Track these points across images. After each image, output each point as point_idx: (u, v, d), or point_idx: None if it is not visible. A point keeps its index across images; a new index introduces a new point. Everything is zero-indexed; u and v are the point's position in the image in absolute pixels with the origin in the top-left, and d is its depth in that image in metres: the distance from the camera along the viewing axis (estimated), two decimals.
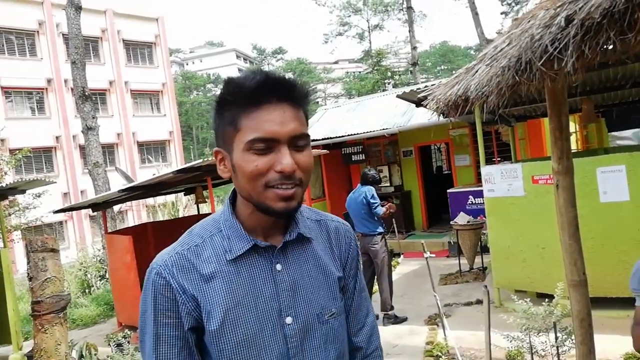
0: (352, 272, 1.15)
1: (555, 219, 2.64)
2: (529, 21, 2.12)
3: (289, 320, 0.98)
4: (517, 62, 1.94)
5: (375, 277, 5.55)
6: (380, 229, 5.48)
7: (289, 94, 0.94)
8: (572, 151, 2.74)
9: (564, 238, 2.52)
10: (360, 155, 10.78)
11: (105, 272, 9.62)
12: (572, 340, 3.08)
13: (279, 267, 0.99)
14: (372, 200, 5.39)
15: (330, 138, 10.29)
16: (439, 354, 4.22)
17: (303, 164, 0.94)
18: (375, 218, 5.44)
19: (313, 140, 10.27)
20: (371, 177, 5.65)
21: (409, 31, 24.39)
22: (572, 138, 9.20)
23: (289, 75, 0.99)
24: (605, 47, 1.63)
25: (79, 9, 10.26)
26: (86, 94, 10.17)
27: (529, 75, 1.90)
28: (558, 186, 2.51)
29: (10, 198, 9.74)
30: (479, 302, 5.64)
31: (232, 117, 0.94)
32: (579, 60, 1.67)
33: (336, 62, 63.56)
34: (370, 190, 5.48)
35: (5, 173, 11.57)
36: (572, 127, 9.44)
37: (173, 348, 0.95)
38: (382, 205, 5.48)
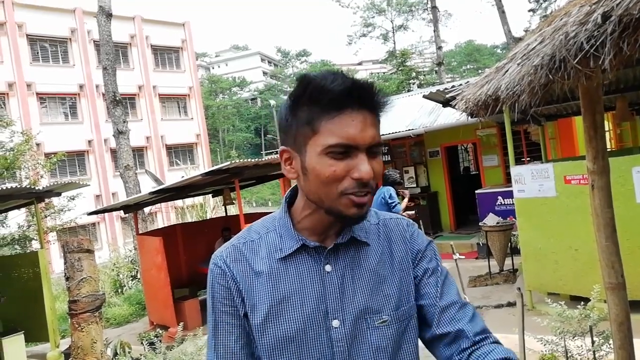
0: (425, 258, 1.06)
1: (589, 220, 2.58)
2: (562, 19, 2.08)
3: (335, 323, 0.97)
4: (550, 60, 1.90)
5: None
6: None
7: (371, 101, 0.94)
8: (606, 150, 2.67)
9: (600, 240, 2.46)
10: (386, 156, 10.74)
11: (137, 272, 9.86)
12: (609, 345, 3.00)
13: (328, 268, 0.99)
14: (389, 200, 5.44)
15: None
16: None
17: (377, 171, 0.94)
18: None
19: None
20: (391, 178, 5.70)
21: (434, 31, 24.14)
22: (606, 137, 8.93)
23: (373, 82, 0.97)
24: None
25: (109, 16, 10.56)
26: (117, 98, 10.45)
27: (563, 73, 1.87)
28: (593, 186, 2.45)
29: (46, 200, 10.08)
30: (510, 304, 5.54)
31: (310, 119, 0.92)
32: (616, 57, 1.63)
33: (360, 64, 63.43)
34: (388, 190, 5.53)
35: (42, 176, 11.99)
36: (606, 125, 9.17)
37: (231, 335, 0.99)
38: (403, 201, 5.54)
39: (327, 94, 0.91)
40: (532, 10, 25.74)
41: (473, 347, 0.98)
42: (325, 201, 0.94)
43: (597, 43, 1.64)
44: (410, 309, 1.03)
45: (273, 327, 0.97)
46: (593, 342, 3.13)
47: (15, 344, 5.85)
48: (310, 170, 0.94)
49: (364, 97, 0.92)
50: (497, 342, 0.99)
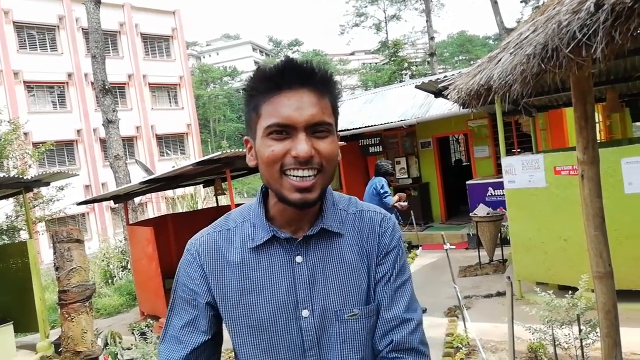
0: (385, 262, 1.04)
1: (578, 210, 2.59)
2: (555, 7, 2.07)
3: (305, 313, 0.98)
4: (543, 49, 1.90)
5: None
6: None
7: (309, 79, 0.93)
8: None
9: (589, 229, 2.48)
10: (378, 147, 10.73)
11: (127, 262, 9.82)
12: (596, 333, 3.04)
13: (299, 259, 0.99)
14: (381, 190, 5.43)
15: (347, 130, 10.27)
16: (459, 345, 4.21)
17: (324, 151, 0.92)
18: (388, 209, 5.45)
19: None
20: (383, 169, 5.69)
21: (426, 21, 24.12)
22: (596, 128, 8.99)
23: (312, 60, 0.96)
24: (637, 32, 1.59)
25: (98, 3, 10.38)
26: (106, 87, 10.31)
27: (555, 62, 1.86)
28: (583, 177, 2.47)
29: (35, 190, 9.97)
30: (499, 294, 5.59)
31: (255, 104, 0.95)
32: (609, 46, 1.63)
33: (352, 54, 63.20)
34: (380, 181, 5.53)
35: (30, 166, 11.84)
36: (596, 117, 9.23)
37: (180, 320, 1.02)
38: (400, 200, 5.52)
39: (266, 77, 0.93)
40: (525, 1, 25.74)
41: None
42: (271, 184, 0.95)
43: (590, 32, 1.64)
44: (376, 305, 1.03)
45: (244, 315, 0.98)
46: (580, 331, 3.18)
47: (5, 334, 5.81)
48: (258, 154, 0.95)
49: (301, 76, 0.92)
50: None
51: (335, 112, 0.98)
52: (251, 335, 0.98)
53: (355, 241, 1.03)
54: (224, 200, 9.15)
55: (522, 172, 5.16)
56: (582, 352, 3.19)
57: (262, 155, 0.93)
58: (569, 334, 3.25)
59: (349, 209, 1.07)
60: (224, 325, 1.05)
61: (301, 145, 0.89)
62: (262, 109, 0.93)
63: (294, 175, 0.91)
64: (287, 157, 0.90)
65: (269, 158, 0.91)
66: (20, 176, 6.36)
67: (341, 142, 8.90)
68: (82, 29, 21.84)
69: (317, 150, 0.91)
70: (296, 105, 0.90)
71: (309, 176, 0.91)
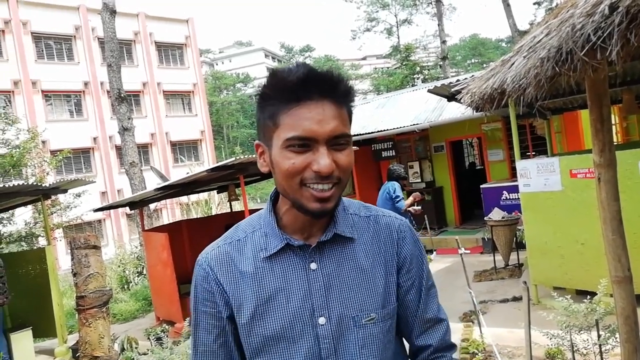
0: (413, 269, 1.07)
1: (595, 213, 2.56)
2: (568, 10, 2.06)
3: (322, 320, 0.97)
4: (557, 52, 1.89)
5: None
6: None
7: (331, 91, 0.91)
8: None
9: (606, 233, 2.45)
10: (391, 151, 10.71)
11: (143, 268, 9.92)
12: (616, 338, 2.99)
13: (313, 266, 0.98)
14: (394, 195, 5.38)
15: (360, 135, 10.27)
16: (475, 351, 4.16)
17: (342, 163, 0.92)
18: (402, 213, 5.40)
19: None
20: (396, 173, 5.63)
21: (438, 25, 24.05)
22: (612, 130, 8.86)
23: (333, 70, 0.93)
24: None
25: (113, 12, 10.57)
26: (122, 95, 10.47)
27: (569, 65, 1.86)
28: (600, 180, 2.44)
29: (53, 197, 10.13)
30: (515, 299, 5.53)
31: (272, 112, 0.92)
32: (624, 48, 1.62)
33: (364, 58, 63.30)
34: (393, 185, 5.47)
35: (48, 174, 12.06)
36: (612, 119, 9.10)
37: (210, 335, 1.00)
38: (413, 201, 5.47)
39: (285, 86, 0.90)
40: (538, 3, 25.53)
41: None
42: (289, 193, 0.94)
43: (604, 35, 1.63)
44: (394, 309, 1.04)
45: (260, 325, 0.97)
46: (599, 336, 3.13)
47: (24, 340, 5.91)
48: (275, 163, 0.94)
49: (322, 88, 0.90)
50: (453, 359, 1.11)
51: (350, 121, 0.98)
52: (267, 346, 0.97)
53: (370, 245, 1.03)
54: (237, 206, 9.20)
55: (537, 176, 5.11)
56: (602, 358, 3.14)
57: (280, 167, 0.92)
58: (587, 340, 3.20)
59: (361, 213, 1.07)
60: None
61: (323, 160, 0.89)
62: (281, 119, 0.90)
63: (314, 188, 0.91)
64: (308, 171, 0.90)
65: (289, 171, 0.90)
66: (39, 184, 6.47)
67: (354, 147, 8.96)
68: (98, 38, 22.23)
69: (336, 163, 0.91)
70: (318, 118, 0.89)
71: (328, 188, 0.91)
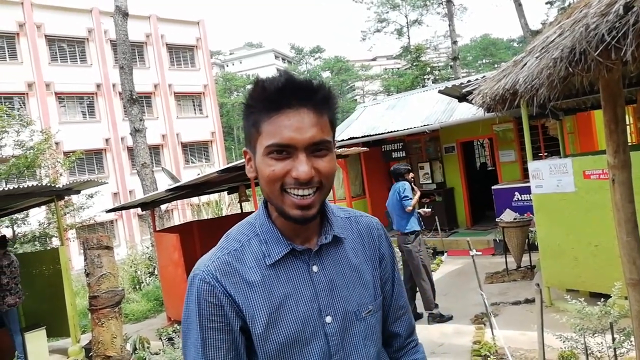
0: (388, 264, 1.17)
1: (609, 215, 2.53)
2: (582, 10, 2.04)
3: (328, 319, 1.00)
4: (570, 52, 1.87)
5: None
6: (413, 227, 5.32)
7: (310, 98, 0.93)
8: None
9: (621, 235, 2.42)
10: (401, 152, 10.67)
11: (154, 268, 9.99)
12: (631, 341, 2.95)
13: (315, 268, 1.01)
14: (402, 194, 5.29)
15: (370, 135, 10.25)
16: (487, 353, 4.13)
17: (323, 169, 0.94)
18: (411, 214, 5.34)
19: (352, 138, 10.26)
20: (398, 171, 5.51)
21: (449, 25, 23.92)
22: (627, 131, 8.74)
23: (312, 79, 0.97)
24: None
25: (125, 15, 10.67)
26: (134, 97, 10.57)
27: (583, 66, 1.84)
28: (614, 181, 2.41)
29: (66, 198, 10.26)
30: (528, 301, 5.48)
31: (255, 120, 0.95)
32: (639, 48, 1.60)
33: (374, 59, 63.15)
34: (403, 185, 5.37)
35: (61, 175, 12.21)
36: (626, 119, 8.98)
37: (219, 351, 0.96)
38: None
39: (266, 95, 0.93)
40: (550, 3, 25.29)
41: (405, 348, 1.21)
42: (272, 199, 0.97)
43: (619, 34, 1.61)
44: (381, 299, 1.13)
45: (275, 333, 0.97)
46: (614, 339, 3.08)
47: (38, 339, 5.98)
48: (259, 170, 0.97)
49: (300, 96, 0.92)
50: (418, 343, 1.25)
51: (333, 127, 1.00)
52: (282, 352, 0.97)
53: (356, 244, 1.10)
54: (248, 207, 9.24)
55: (549, 177, 5.06)
56: None
57: (262, 173, 0.94)
58: (601, 343, 3.16)
59: (341, 214, 1.13)
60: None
61: (302, 167, 0.91)
62: (262, 127, 0.93)
63: (294, 194, 0.93)
64: (288, 177, 0.92)
65: (270, 177, 0.93)
66: (52, 184, 6.55)
67: (363, 148, 8.91)
68: (110, 40, 22.46)
69: (316, 169, 0.93)
70: (297, 126, 0.91)
71: (309, 194, 0.93)
